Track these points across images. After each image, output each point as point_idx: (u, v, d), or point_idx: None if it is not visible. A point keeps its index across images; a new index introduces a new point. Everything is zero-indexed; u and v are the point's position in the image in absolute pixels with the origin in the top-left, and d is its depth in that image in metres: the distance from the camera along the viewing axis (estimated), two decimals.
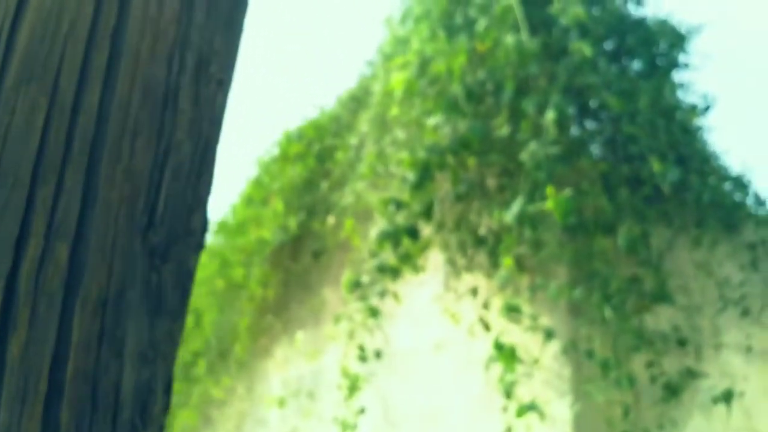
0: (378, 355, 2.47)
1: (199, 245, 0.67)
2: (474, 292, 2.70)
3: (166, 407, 0.61)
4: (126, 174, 0.62)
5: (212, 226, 4.71)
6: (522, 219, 2.34)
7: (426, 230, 2.98)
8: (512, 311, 2.28)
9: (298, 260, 4.01)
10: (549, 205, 2.10)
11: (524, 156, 2.39)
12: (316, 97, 4.01)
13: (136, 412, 0.59)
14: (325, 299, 3.66)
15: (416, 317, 3.14)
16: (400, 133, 2.70)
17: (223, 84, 0.69)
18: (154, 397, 0.60)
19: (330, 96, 4.01)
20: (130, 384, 0.59)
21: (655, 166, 2.27)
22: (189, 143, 0.65)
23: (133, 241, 0.61)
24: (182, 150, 0.64)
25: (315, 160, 3.66)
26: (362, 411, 2.52)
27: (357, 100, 3.77)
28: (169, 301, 0.61)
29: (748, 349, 2.72)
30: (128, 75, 0.64)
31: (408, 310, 3.21)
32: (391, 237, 2.49)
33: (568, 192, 2.13)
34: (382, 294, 2.49)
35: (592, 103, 2.56)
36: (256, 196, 4.11)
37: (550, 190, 2.13)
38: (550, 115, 2.39)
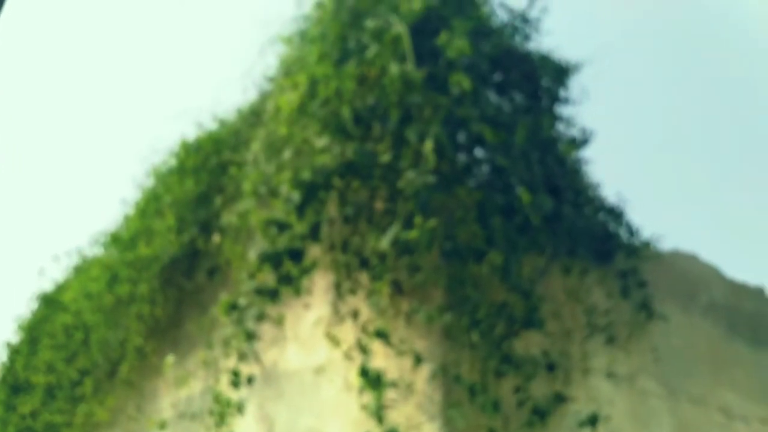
0: (250, 380, 2.42)
1: None
2: (355, 314, 2.70)
3: None
4: None
5: (105, 237, 4.53)
6: (397, 245, 2.37)
7: (315, 251, 2.97)
8: (380, 336, 2.29)
9: (192, 278, 3.91)
10: (413, 234, 2.14)
11: (402, 183, 2.42)
12: (212, 106, 3.92)
13: None
14: (217, 319, 3.58)
15: (304, 340, 3.12)
16: (286, 153, 2.68)
17: None
18: None
19: (225, 108, 3.94)
20: None
21: (524, 197, 2.36)
22: None
23: None
24: None
25: (209, 174, 3.59)
26: None
27: (257, 115, 3.73)
28: None
29: (616, 375, 2.85)
30: None
31: (296, 332, 3.18)
32: (272, 259, 2.46)
33: (433, 222, 2.17)
34: (260, 317, 2.45)
35: (472, 135, 2.64)
36: (150, 208, 3.98)
37: (418, 219, 2.17)
38: (428, 145, 2.44)
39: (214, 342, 3.32)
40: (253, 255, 2.41)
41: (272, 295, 2.43)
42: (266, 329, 3.33)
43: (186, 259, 3.88)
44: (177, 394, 3.97)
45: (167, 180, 3.93)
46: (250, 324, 2.36)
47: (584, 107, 3.03)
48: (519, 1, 3.07)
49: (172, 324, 4.15)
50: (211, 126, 3.95)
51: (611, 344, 2.85)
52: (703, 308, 3.27)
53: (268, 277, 2.57)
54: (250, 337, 2.38)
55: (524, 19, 3.01)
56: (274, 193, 2.63)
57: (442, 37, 2.67)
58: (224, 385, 3.07)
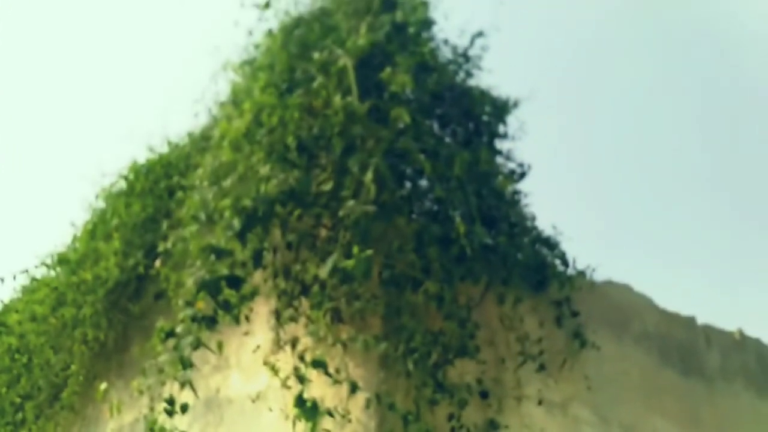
0: (184, 409, 2.42)
1: None
2: (294, 342, 2.73)
3: None
4: None
5: (52, 258, 4.47)
6: (336, 273, 2.42)
7: (256, 279, 2.99)
8: (317, 366, 2.33)
9: (138, 302, 3.88)
10: (349, 264, 2.19)
11: (342, 212, 2.48)
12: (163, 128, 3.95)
13: None
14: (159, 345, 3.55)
15: (246, 367, 3.13)
16: (228, 180, 2.72)
17: None
18: None
19: (176, 132, 3.98)
20: None
21: (460, 227, 2.44)
22: None
23: None
24: None
25: (156, 198, 3.59)
26: None
27: (207, 140, 3.77)
28: None
29: (548, 402, 2.93)
30: None
31: (239, 359, 3.19)
32: (209, 286, 2.48)
33: (369, 251, 2.23)
34: (196, 345, 2.46)
35: (414, 167, 2.72)
36: (99, 231, 3.96)
37: (356, 249, 2.23)
38: (369, 175, 2.51)
39: (152, 369, 3.30)
40: (190, 282, 2.43)
41: (209, 322, 2.45)
42: (210, 356, 3.32)
43: (133, 283, 3.85)
44: (120, 420, 3.91)
45: (116, 202, 3.92)
46: (186, 351, 2.37)
47: (523, 141, 3.15)
48: (462, 39, 3.20)
49: (118, 348, 4.10)
50: (162, 149, 3.96)
51: (544, 372, 2.93)
52: (635, 337, 3.38)
53: (208, 304, 2.59)
54: (186, 364, 2.39)
55: (466, 56, 3.13)
56: (214, 219, 2.66)
57: (385, 72, 2.76)
58: (160, 413, 3.05)
